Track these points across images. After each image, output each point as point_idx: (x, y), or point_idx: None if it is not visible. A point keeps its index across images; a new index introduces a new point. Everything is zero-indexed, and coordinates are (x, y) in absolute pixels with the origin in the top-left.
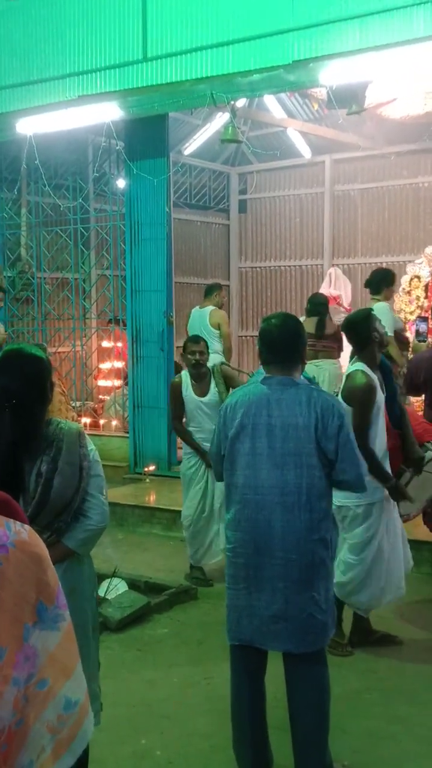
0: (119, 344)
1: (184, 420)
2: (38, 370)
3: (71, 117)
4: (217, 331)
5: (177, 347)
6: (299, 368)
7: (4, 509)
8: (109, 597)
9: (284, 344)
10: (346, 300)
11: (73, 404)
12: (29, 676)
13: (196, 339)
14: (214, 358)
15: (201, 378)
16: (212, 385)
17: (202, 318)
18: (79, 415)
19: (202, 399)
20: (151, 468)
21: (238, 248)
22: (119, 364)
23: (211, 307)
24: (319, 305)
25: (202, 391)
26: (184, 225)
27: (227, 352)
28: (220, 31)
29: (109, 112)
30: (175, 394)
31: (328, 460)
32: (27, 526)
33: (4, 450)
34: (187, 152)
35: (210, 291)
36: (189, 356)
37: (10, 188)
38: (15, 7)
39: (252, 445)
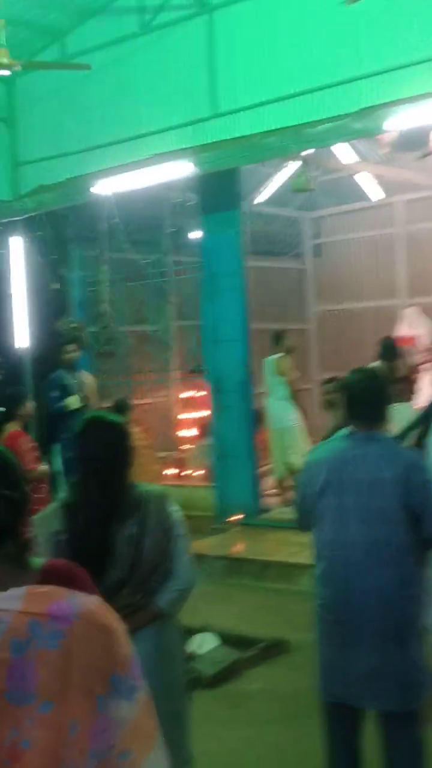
0: (201, 394)
1: None
2: (119, 436)
3: (146, 175)
4: (283, 378)
5: (258, 394)
6: (383, 424)
7: (72, 582)
8: (200, 652)
9: (369, 403)
10: (426, 339)
11: (160, 456)
12: (109, 748)
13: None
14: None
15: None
16: None
17: (270, 366)
18: (164, 466)
19: None
20: (238, 517)
21: (315, 291)
22: (203, 414)
23: (278, 355)
24: (388, 349)
25: None
26: (259, 272)
27: (293, 397)
28: (287, 83)
29: (183, 169)
30: None
31: (414, 516)
32: (95, 597)
33: (93, 517)
34: (259, 201)
35: (277, 339)
36: (327, 397)
37: (92, 247)
38: (88, 74)
39: (338, 502)
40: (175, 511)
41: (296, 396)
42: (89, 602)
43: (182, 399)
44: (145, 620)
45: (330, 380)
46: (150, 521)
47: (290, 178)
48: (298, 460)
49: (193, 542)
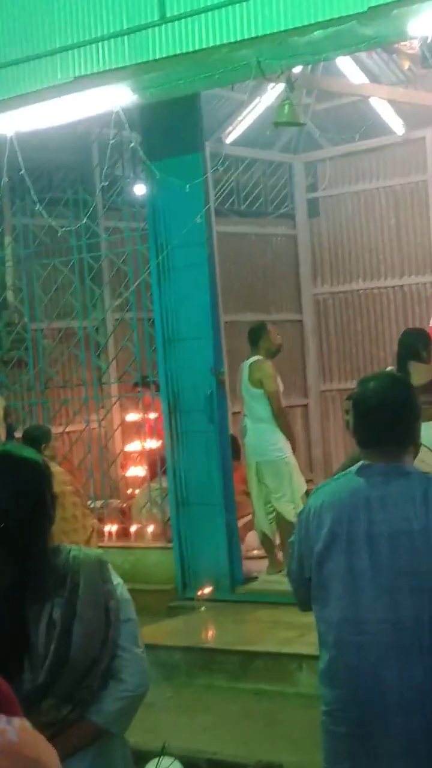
0: (151, 415)
1: None
2: (34, 481)
3: (66, 107)
4: (260, 390)
5: (234, 414)
6: (410, 451)
7: None
8: None
9: (388, 419)
10: None
11: (92, 505)
12: None
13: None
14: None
15: None
16: None
17: (243, 375)
18: (101, 521)
19: None
20: (207, 590)
21: (311, 267)
22: (153, 444)
23: (254, 358)
24: (414, 346)
25: None
26: (232, 241)
27: (277, 417)
28: None
29: (119, 96)
30: None
31: None
32: (17, 721)
33: (1, 594)
34: (229, 140)
35: (254, 335)
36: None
37: None
38: None
39: (348, 564)
40: (118, 584)
41: (282, 416)
42: (11, 728)
43: (125, 424)
44: (77, 743)
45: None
46: (81, 601)
47: (272, 107)
48: (287, 507)
49: (144, 628)
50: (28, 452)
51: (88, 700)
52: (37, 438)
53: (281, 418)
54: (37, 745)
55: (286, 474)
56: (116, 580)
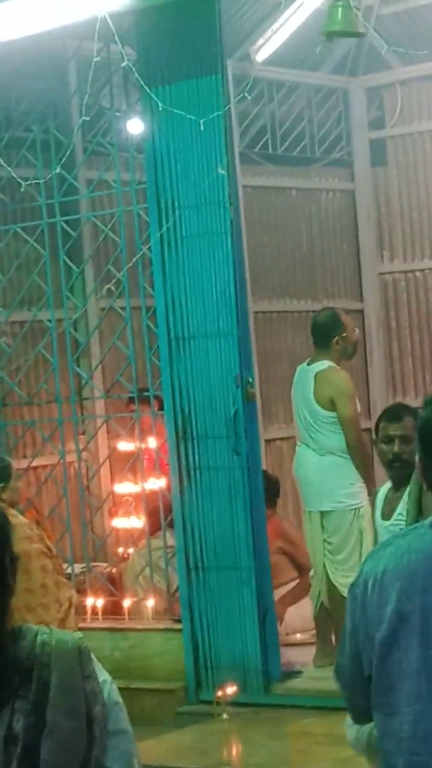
0: (152, 444)
1: None
2: None
3: (33, 11)
4: (331, 414)
5: (267, 442)
6: None
7: None
8: None
9: None
10: None
11: (69, 571)
12: None
13: (397, 413)
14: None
15: (400, 484)
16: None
17: (305, 387)
18: (82, 592)
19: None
20: (231, 690)
21: (376, 235)
22: (155, 484)
23: (323, 364)
24: None
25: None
26: (265, 198)
27: (354, 451)
28: None
29: None
30: None
31: None
32: None
33: None
34: (261, 58)
35: (324, 331)
36: (384, 446)
37: None
38: None
39: (425, 654)
40: (105, 682)
41: (362, 449)
42: None
43: (115, 456)
44: None
45: None
46: (52, 706)
47: (319, 11)
48: (349, 577)
49: (142, 744)
50: None
51: None
52: None
53: (360, 453)
54: None
55: (356, 531)
56: (102, 675)
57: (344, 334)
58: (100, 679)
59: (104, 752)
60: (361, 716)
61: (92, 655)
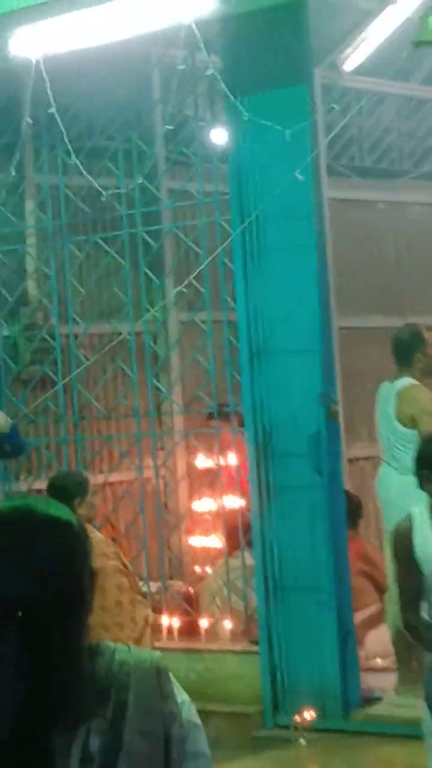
0: (231, 461)
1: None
2: (65, 551)
3: (116, 18)
4: (413, 432)
5: (350, 461)
6: None
7: None
8: None
9: None
10: None
11: (145, 589)
12: None
13: None
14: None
15: None
16: None
17: (387, 405)
18: (157, 611)
19: None
20: (309, 716)
21: None
22: (233, 503)
23: (405, 382)
24: None
25: None
26: (351, 211)
27: None
28: None
29: (190, 4)
30: (406, 554)
31: None
32: None
33: (9, 720)
34: (349, 67)
35: (405, 348)
36: None
37: (1, 163)
38: None
39: None
40: (183, 703)
41: None
42: None
43: (193, 473)
44: None
45: None
46: (129, 726)
47: (411, 20)
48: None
49: (220, 767)
50: (58, 509)
51: None
52: (67, 490)
53: None
54: None
55: None
56: (181, 696)
57: (426, 351)
58: (179, 700)
59: None
60: None
61: (171, 675)
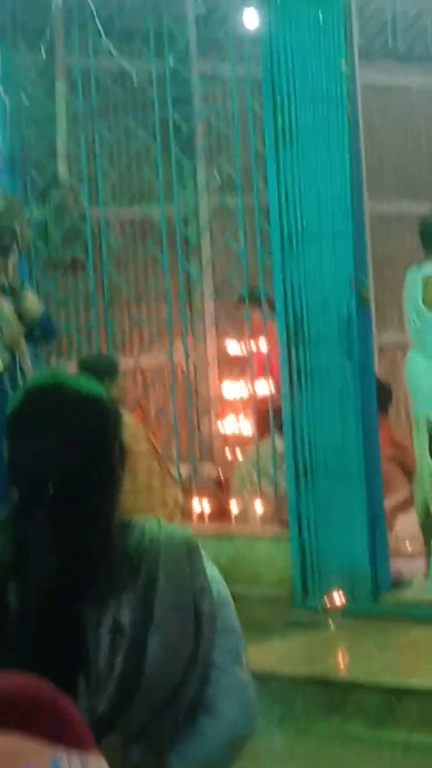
0: (262, 346)
1: None
2: (96, 422)
3: None
4: None
5: (381, 348)
6: None
7: (51, 723)
8: None
9: None
10: None
11: (176, 473)
12: None
13: None
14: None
15: None
16: None
17: (414, 290)
18: (188, 495)
19: None
20: (338, 599)
21: None
22: (264, 388)
23: (430, 267)
24: None
25: None
26: (385, 96)
27: None
28: None
29: None
30: None
31: None
32: (94, 762)
33: (42, 589)
34: None
35: (431, 233)
36: None
37: (32, 45)
38: None
39: None
40: (213, 579)
41: None
42: None
43: (224, 358)
44: None
45: None
46: (160, 600)
47: None
48: None
49: (250, 648)
50: (89, 383)
51: (168, 740)
52: (98, 372)
53: None
54: None
55: None
56: (211, 571)
57: None
58: (209, 575)
59: (212, 648)
60: None
61: (202, 551)
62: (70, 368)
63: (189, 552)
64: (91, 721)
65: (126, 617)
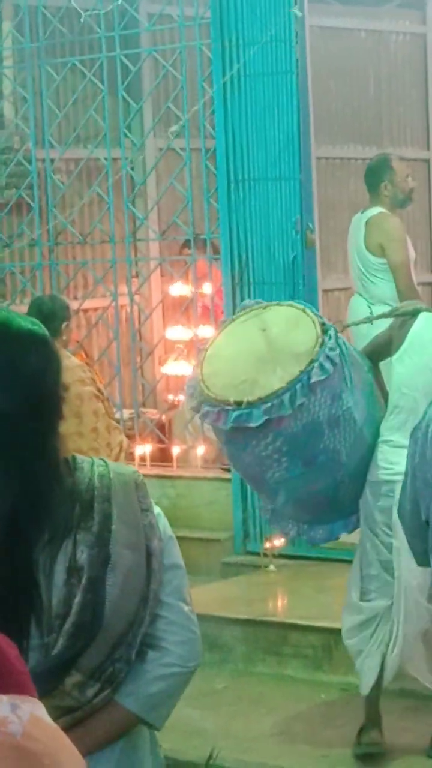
0: (207, 289)
1: None
2: (39, 367)
3: None
4: (382, 260)
5: (325, 292)
6: None
7: None
8: None
9: None
10: None
11: (118, 417)
12: None
13: None
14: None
15: None
16: None
17: (357, 235)
18: (130, 438)
19: None
20: (279, 542)
21: None
22: (208, 332)
23: (374, 211)
24: None
25: None
26: (332, 40)
27: (405, 297)
28: None
29: None
30: None
31: None
32: (28, 707)
33: None
34: None
35: (374, 176)
36: None
37: None
38: None
39: None
40: (159, 516)
41: (413, 294)
42: (15, 721)
43: (168, 301)
44: (104, 736)
45: None
46: (116, 539)
47: None
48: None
49: (190, 590)
50: (33, 323)
51: (121, 677)
52: (56, 314)
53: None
54: (51, 742)
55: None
56: (156, 509)
57: (395, 180)
58: (156, 512)
59: (160, 585)
60: (422, 560)
61: (147, 489)
62: (16, 310)
63: (137, 490)
64: (47, 660)
65: (83, 557)
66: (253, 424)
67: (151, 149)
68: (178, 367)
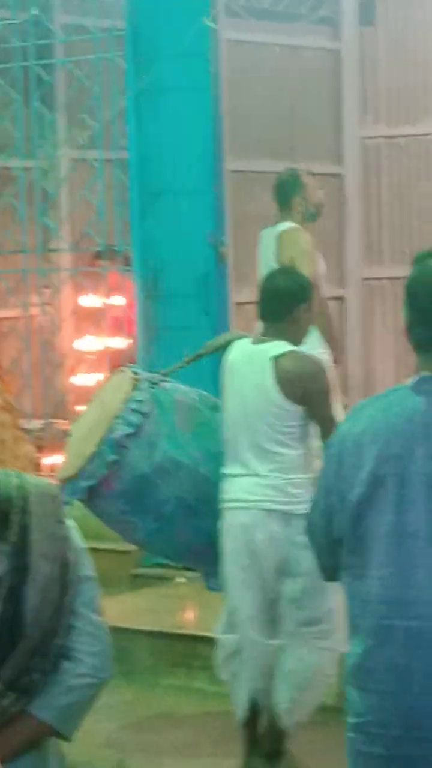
0: (118, 301)
1: None
2: None
3: None
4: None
5: (238, 305)
6: None
7: None
8: None
9: None
10: None
11: (27, 428)
12: None
13: None
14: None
15: None
16: None
17: (268, 248)
18: (39, 449)
19: None
20: None
21: (359, 98)
22: (119, 343)
23: (285, 225)
24: None
25: None
26: (246, 54)
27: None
28: None
29: None
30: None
31: None
32: None
33: None
34: None
35: (284, 191)
36: None
37: None
38: None
39: (398, 520)
40: (72, 528)
41: (324, 312)
42: None
43: (79, 312)
44: (18, 746)
45: None
46: (34, 550)
47: None
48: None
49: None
50: None
51: (36, 687)
52: None
53: (321, 315)
54: None
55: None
56: (68, 521)
57: (305, 195)
58: (70, 525)
59: (74, 597)
60: (330, 576)
61: (62, 501)
62: None
63: (54, 502)
64: None
65: (1, 567)
66: (80, 496)
67: (64, 160)
68: (88, 379)
